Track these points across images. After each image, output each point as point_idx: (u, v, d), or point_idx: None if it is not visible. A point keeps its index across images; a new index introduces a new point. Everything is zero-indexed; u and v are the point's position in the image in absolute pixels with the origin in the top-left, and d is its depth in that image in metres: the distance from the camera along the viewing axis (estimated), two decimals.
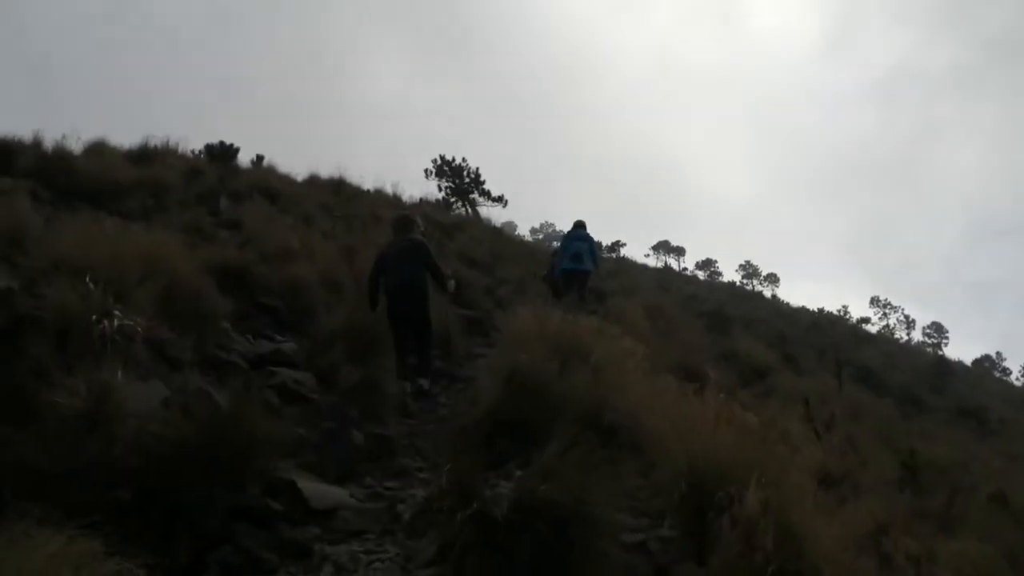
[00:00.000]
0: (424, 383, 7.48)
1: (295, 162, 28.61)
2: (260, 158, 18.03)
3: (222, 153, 16.01)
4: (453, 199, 26.63)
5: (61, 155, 13.33)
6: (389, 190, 22.11)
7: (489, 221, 25.70)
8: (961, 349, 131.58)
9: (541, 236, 73.55)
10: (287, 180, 17.71)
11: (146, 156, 15.50)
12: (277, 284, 9.64)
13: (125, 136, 17.84)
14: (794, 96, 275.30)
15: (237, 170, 16.42)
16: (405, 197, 22.78)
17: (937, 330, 76.50)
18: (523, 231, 70.05)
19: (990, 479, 12.24)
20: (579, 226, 13.69)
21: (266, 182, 16.00)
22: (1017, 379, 68.56)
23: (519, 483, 4.38)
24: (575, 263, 12.76)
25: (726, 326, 25.21)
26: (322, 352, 6.85)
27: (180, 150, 16.97)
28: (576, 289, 12.29)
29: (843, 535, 3.55)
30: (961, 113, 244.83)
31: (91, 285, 5.03)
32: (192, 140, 18.10)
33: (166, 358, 5.52)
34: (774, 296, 70.40)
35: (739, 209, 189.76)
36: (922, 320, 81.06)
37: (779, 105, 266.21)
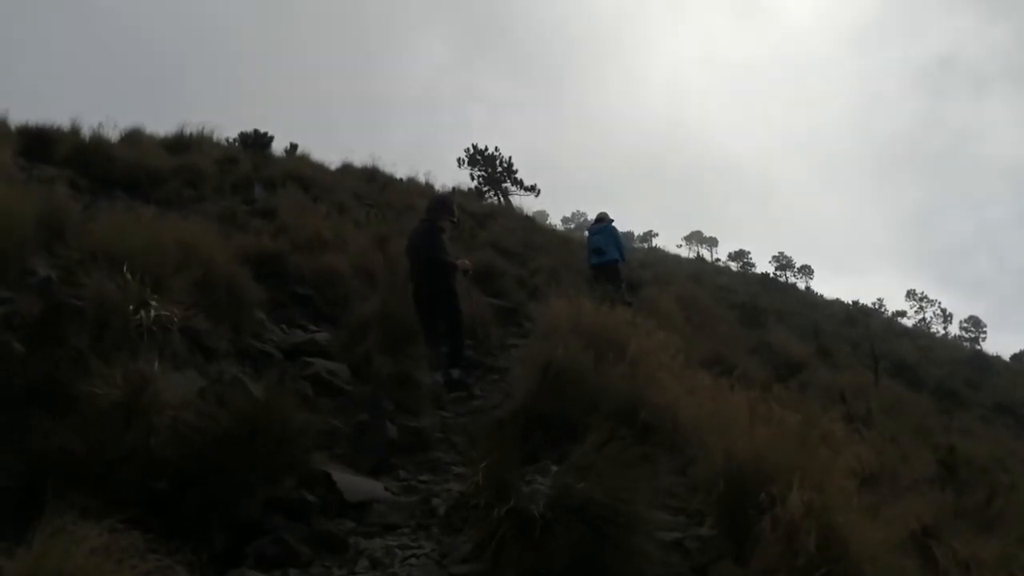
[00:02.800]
0: (455, 373, 7.47)
1: (329, 151, 28.65)
2: (294, 147, 18.11)
3: (256, 141, 16.09)
4: (486, 188, 26.57)
5: (98, 143, 13.44)
6: (422, 179, 22.15)
7: (521, 210, 25.64)
8: (1005, 342, 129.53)
9: (572, 226, 73.21)
10: (320, 168, 17.76)
11: (182, 144, 15.61)
12: (311, 273, 9.66)
13: (160, 124, 17.90)
14: (835, 86, 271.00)
15: (271, 158, 16.50)
16: (438, 186, 22.81)
17: (975, 324, 75.08)
18: (555, 220, 69.78)
19: None
20: (599, 219, 13.67)
21: (299, 170, 16.05)
22: None
23: (556, 479, 4.35)
24: (598, 257, 12.74)
25: (759, 318, 24.97)
26: (356, 342, 6.84)
27: (215, 138, 17.10)
28: (607, 280, 12.19)
29: (888, 538, 3.46)
30: (1010, 103, 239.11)
31: (128, 275, 5.06)
32: (226, 129, 18.15)
33: (202, 348, 5.53)
34: (808, 288, 69.67)
35: (775, 201, 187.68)
36: (960, 314, 79.44)
37: (819, 95, 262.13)
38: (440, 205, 8.51)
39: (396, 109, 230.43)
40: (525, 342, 8.99)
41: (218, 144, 16.98)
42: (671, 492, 4.39)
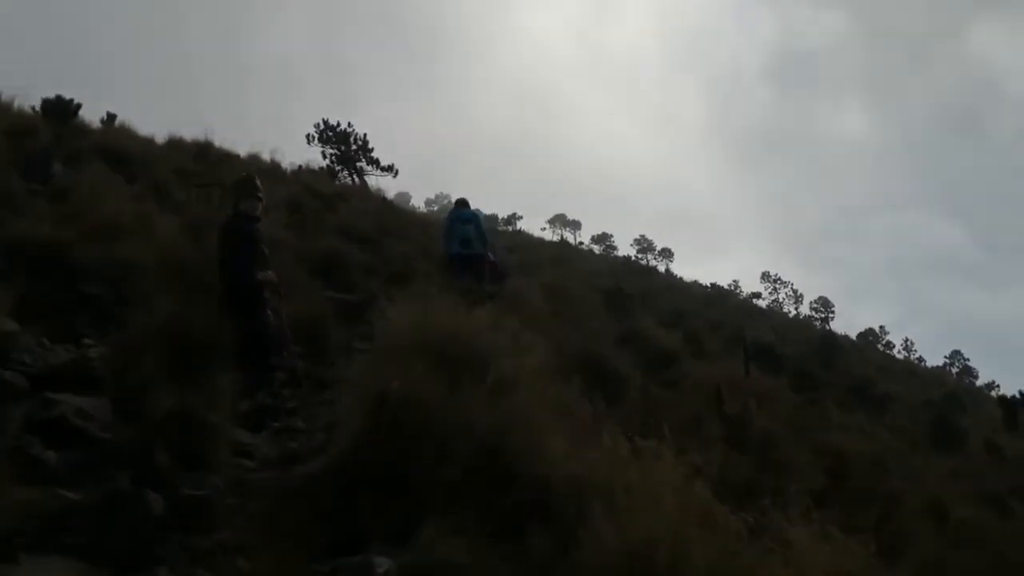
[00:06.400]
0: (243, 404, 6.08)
1: (163, 125, 26.05)
2: (112, 117, 15.79)
3: (60, 109, 13.75)
4: (339, 167, 24.59)
5: None
6: (266, 156, 20.06)
7: (380, 191, 23.93)
8: (857, 318, 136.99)
9: (436, 207, 71.65)
10: (143, 142, 15.59)
11: None
12: (102, 266, 7.88)
13: None
14: (684, 74, 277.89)
15: (79, 130, 14.21)
16: (285, 164, 20.80)
17: (824, 304, 78.26)
18: (418, 202, 68.14)
19: (912, 480, 11.50)
20: (462, 204, 12.35)
21: (115, 144, 13.88)
22: (899, 352, 71.03)
23: None
24: (464, 247, 11.38)
25: (625, 304, 24.42)
26: (131, 365, 5.10)
27: (16, 106, 14.61)
28: (471, 275, 10.87)
29: None
30: (853, 87, 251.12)
31: None
32: (33, 96, 15.54)
33: None
34: (668, 270, 70.73)
35: (633, 186, 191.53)
36: (811, 294, 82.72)
37: (667, 85, 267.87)
38: (240, 188, 7.09)
39: (253, 80, 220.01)
40: (370, 348, 7.58)
41: (19, 112, 14.52)
42: None
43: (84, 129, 14.72)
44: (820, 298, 79.79)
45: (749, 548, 2.78)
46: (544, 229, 79.17)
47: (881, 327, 76.59)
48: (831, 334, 50.24)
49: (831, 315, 76.83)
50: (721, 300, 55.99)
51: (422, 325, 5.63)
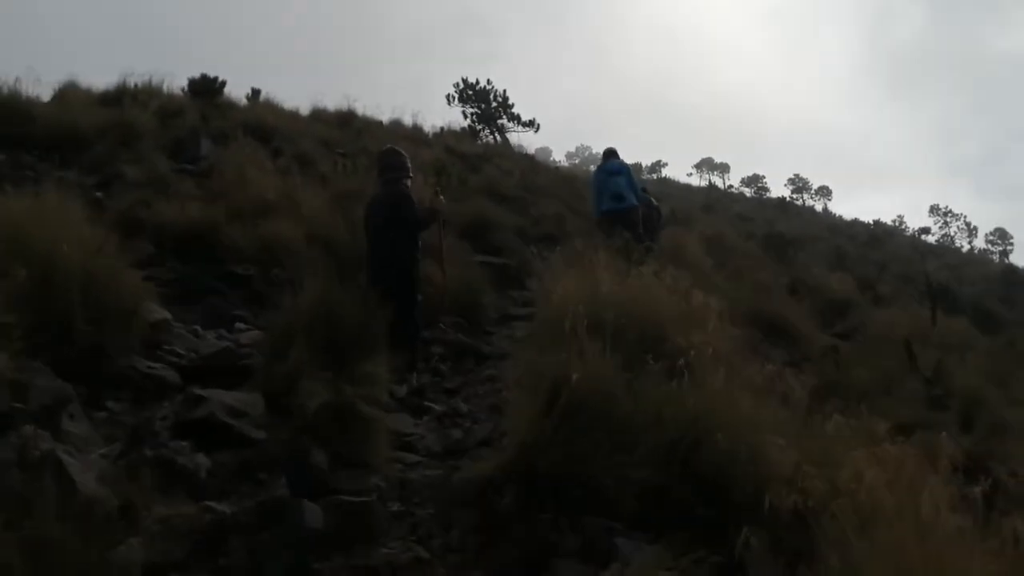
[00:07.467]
0: (401, 388, 5.78)
1: (305, 97, 26.33)
2: (256, 93, 15.88)
3: (205, 88, 13.86)
4: (480, 126, 24.20)
5: (14, 101, 11.35)
6: (408, 121, 19.93)
7: (521, 148, 23.42)
8: None
9: (577, 160, 70.74)
10: (287, 116, 15.62)
11: (123, 97, 13.45)
12: (251, 246, 7.70)
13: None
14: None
15: (226, 107, 14.31)
16: (427, 128, 20.63)
17: (1001, 236, 72.48)
18: (559, 156, 67.27)
19: None
20: (610, 155, 11.47)
21: (260, 119, 13.92)
22: None
23: None
24: (617, 202, 10.58)
25: (784, 249, 23.11)
26: (280, 355, 4.73)
27: (166, 89, 14.86)
28: (625, 228, 10.13)
29: None
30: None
31: None
32: (180, 77, 15.81)
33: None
34: (826, 210, 67.15)
35: (784, 123, 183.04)
36: (985, 227, 76.22)
37: (814, 15, 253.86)
38: (392, 162, 6.62)
39: (389, 47, 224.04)
40: (529, 312, 7.07)
41: (169, 95, 14.76)
42: None
43: (230, 106, 14.84)
44: (996, 229, 73.89)
45: None
46: (690, 175, 76.66)
47: None
48: (1012, 268, 46.30)
49: (1010, 247, 71.13)
50: (887, 238, 52.74)
51: (588, 294, 5.01)
